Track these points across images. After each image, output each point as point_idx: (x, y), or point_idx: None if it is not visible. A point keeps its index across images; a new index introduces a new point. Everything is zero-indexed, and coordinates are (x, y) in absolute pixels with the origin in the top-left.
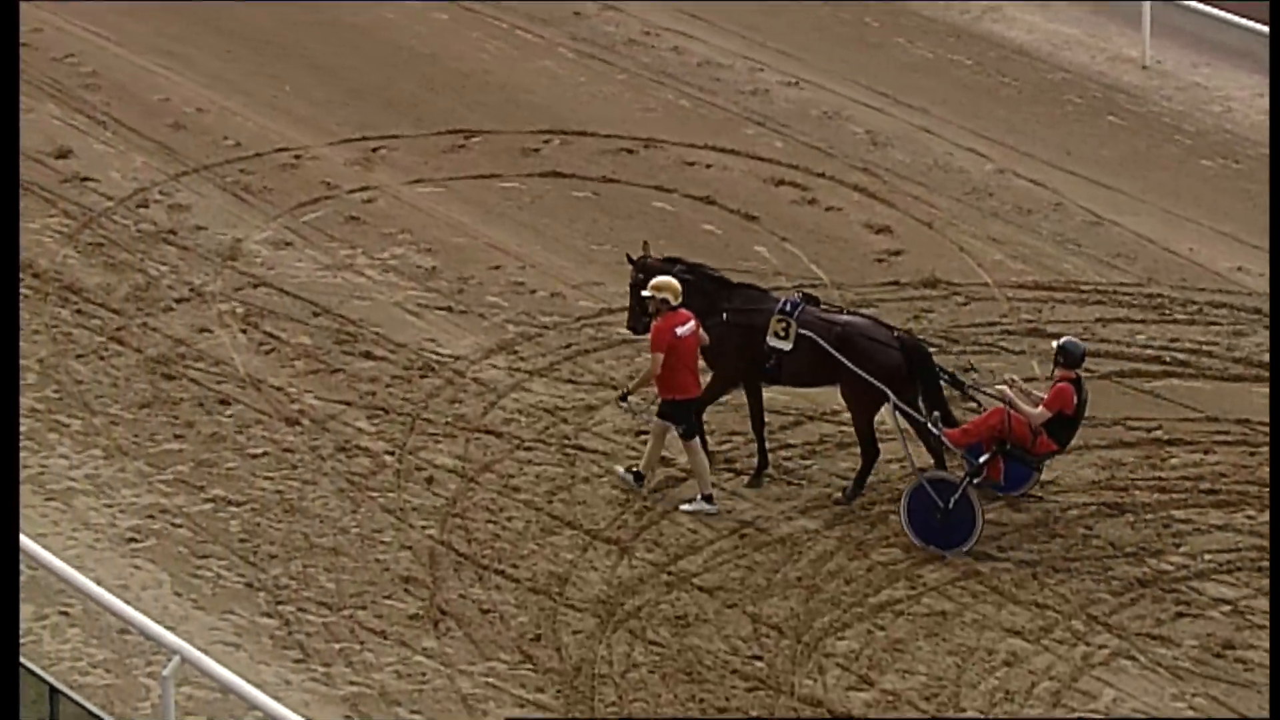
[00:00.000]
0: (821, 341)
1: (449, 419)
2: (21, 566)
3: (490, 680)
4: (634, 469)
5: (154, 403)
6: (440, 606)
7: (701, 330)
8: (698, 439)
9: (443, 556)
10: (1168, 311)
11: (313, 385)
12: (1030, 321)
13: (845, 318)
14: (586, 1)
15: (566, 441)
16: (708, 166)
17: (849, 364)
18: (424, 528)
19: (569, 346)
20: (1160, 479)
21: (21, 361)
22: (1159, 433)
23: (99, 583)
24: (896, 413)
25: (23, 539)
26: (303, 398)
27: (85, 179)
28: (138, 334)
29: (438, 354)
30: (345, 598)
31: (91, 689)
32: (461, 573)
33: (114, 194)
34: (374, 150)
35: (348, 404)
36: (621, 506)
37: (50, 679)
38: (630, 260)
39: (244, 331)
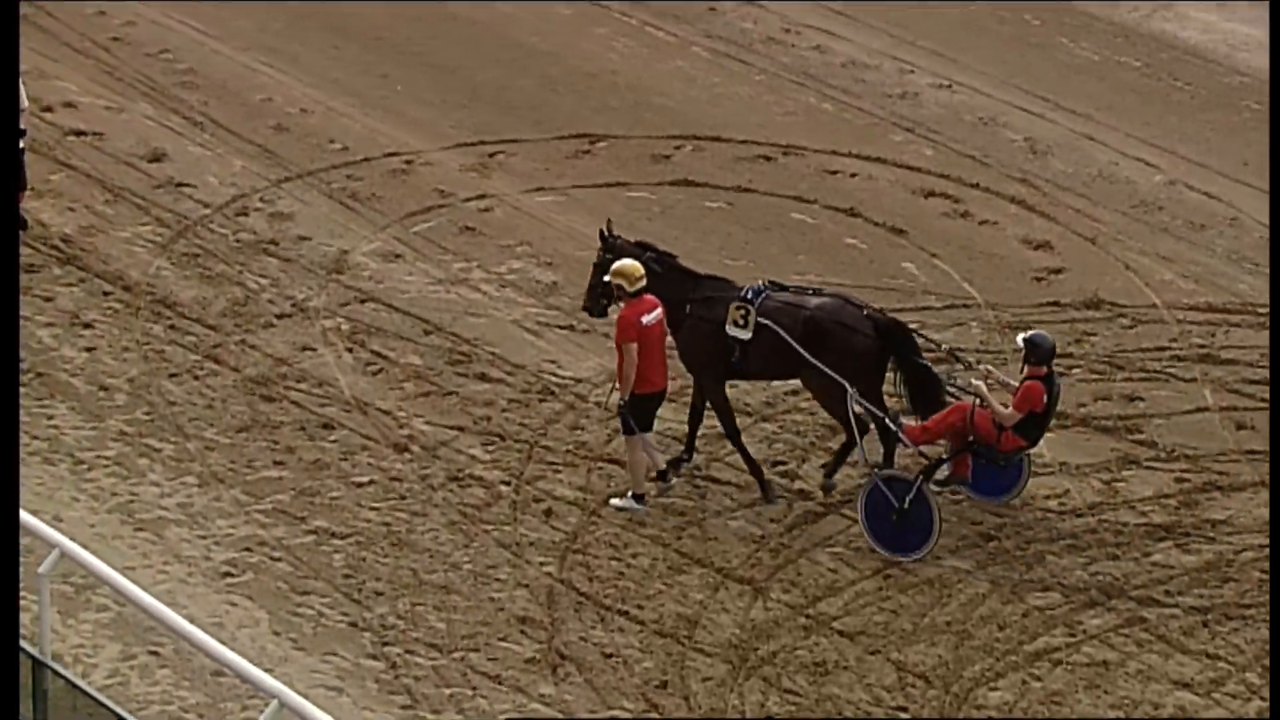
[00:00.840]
0: (780, 330)
1: (570, 447)
2: (109, 603)
3: None
4: (629, 493)
5: (252, 426)
6: (559, 650)
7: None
8: (643, 437)
9: (562, 596)
10: None
11: (423, 409)
12: (1202, 347)
13: (815, 301)
14: None
15: (696, 472)
16: (852, 176)
17: (806, 354)
18: (542, 564)
19: None
20: None
21: (110, 381)
22: None
23: (191, 620)
24: (853, 405)
25: (110, 572)
26: (412, 422)
27: (180, 184)
28: (235, 352)
29: (558, 376)
30: (457, 639)
31: None
32: (582, 613)
33: (211, 201)
34: (491, 155)
35: (461, 430)
36: (756, 544)
37: None
38: (601, 236)
39: (350, 350)
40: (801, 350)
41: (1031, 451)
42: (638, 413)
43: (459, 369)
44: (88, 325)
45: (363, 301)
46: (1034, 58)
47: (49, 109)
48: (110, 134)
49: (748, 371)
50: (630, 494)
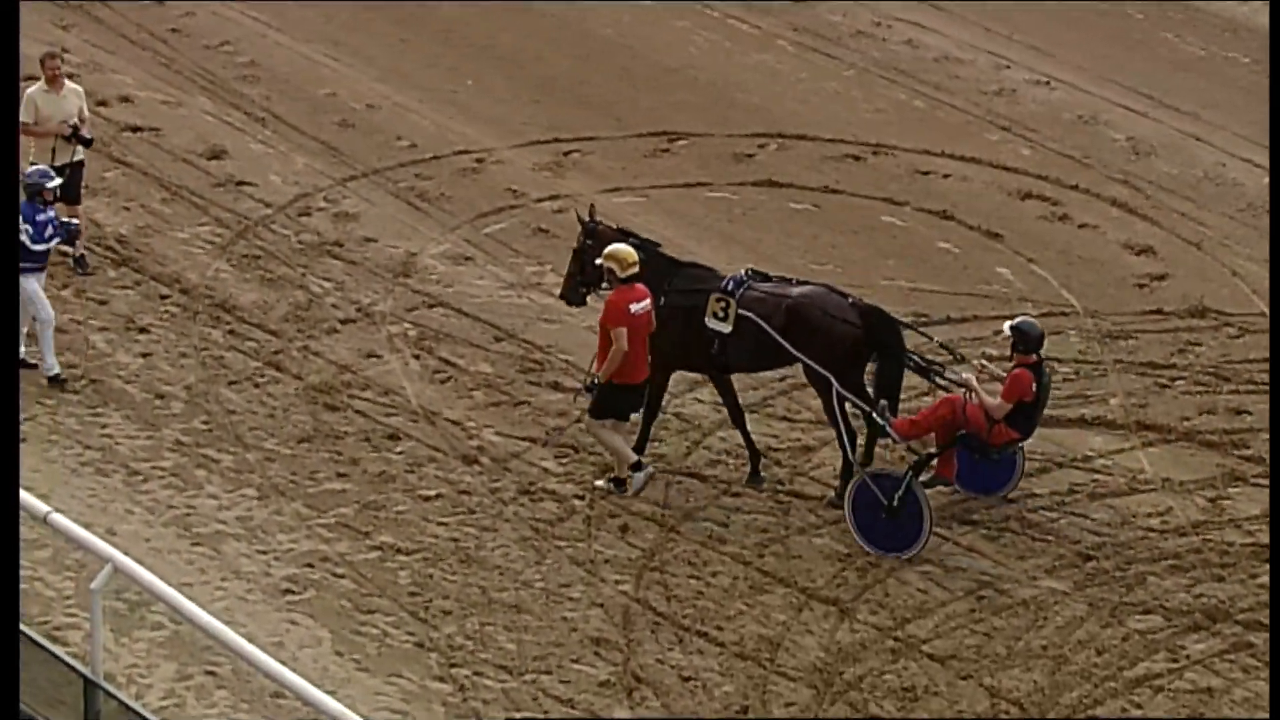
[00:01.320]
0: (761, 322)
1: (647, 460)
2: (164, 620)
3: None
4: (610, 476)
5: (315, 437)
6: (635, 673)
7: (653, 311)
8: (607, 422)
9: (638, 616)
10: None
11: (494, 419)
12: None
13: (797, 290)
14: None
15: (780, 487)
16: (945, 176)
17: (788, 346)
18: (617, 583)
19: (783, 380)
20: None
21: (167, 388)
22: None
23: (250, 639)
24: (837, 398)
25: (166, 589)
26: (482, 433)
27: (241, 183)
28: (297, 359)
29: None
30: (528, 661)
31: None
32: (659, 634)
33: (272, 200)
34: (566, 154)
35: (532, 441)
36: (842, 562)
37: None
38: (579, 221)
39: (417, 357)
40: (784, 342)
41: (1025, 444)
42: (612, 402)
43: (531, 377)
44: (143, 330)
45: (431, 306)
46: (1137, 53)
47: (104, 103)
48: (168, 130)
49: (728, 365)
50: (611, 478)
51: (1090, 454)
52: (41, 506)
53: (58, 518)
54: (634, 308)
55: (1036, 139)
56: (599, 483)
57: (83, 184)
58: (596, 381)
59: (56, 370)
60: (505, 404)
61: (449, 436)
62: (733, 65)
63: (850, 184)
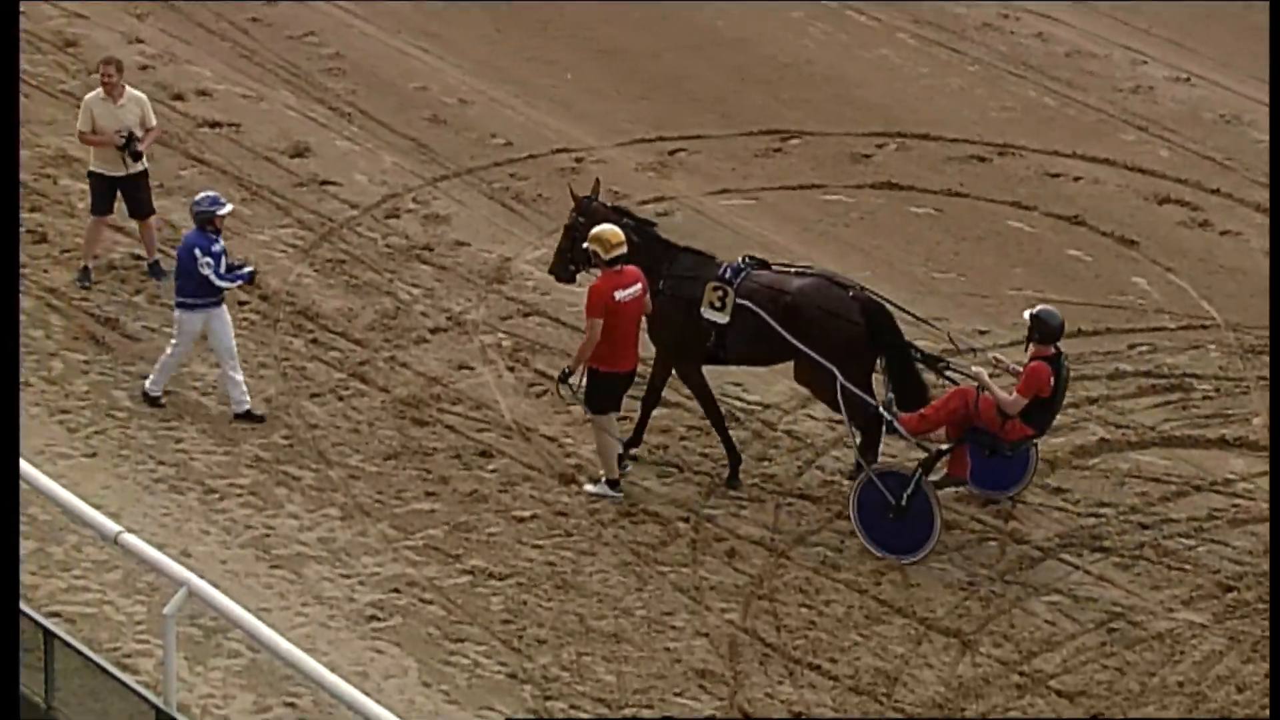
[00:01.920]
0: (762, 313)
1: (756, 480)
2: (241, 648)
3: None
4: (603, 478)
5: (402, 453)
6: (742, 708)
7: (648, 297)
8: (609, 416)
9: (746, 646)
10: None
11: (592, 436)
12: None
13: (797, 283)
14: None
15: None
16: (1076, 179)
17: (790, 338)
18: (723, 611)
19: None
20: None
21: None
22: None
23: (333, 668)
24: (843, 394)
25: (243, 614)
26: (580, 450)
27: (325, 182)
28: (384, 370)
29: (743, 401)
30: (627, 694)
31: None
32: (768, 667)
33: (359, 201)
34: (671, 153)
35: (635, 459)
36: (964, 591)
37: None
38: (574, 197)
39: (511, 369)
40: (785, 333)
41: (1039, 441)
42: (606, 393)
43: (632, 391)
44: None
45: (526, 315)
46: None
47: (180, 97)
48: (248, 125)
49: (726, 357)
50: (603, 479)
51: (1231, 477)
52: (112, 526)
53: (129, 538)
54: (620, 294)
55: (1175, 140)
56: (590, 488)
57: (151, 194)
58: (568, 371)
59: (159, 393)
60: None
61: (545, 454)
62: (850, 60)
63: (975, 187)
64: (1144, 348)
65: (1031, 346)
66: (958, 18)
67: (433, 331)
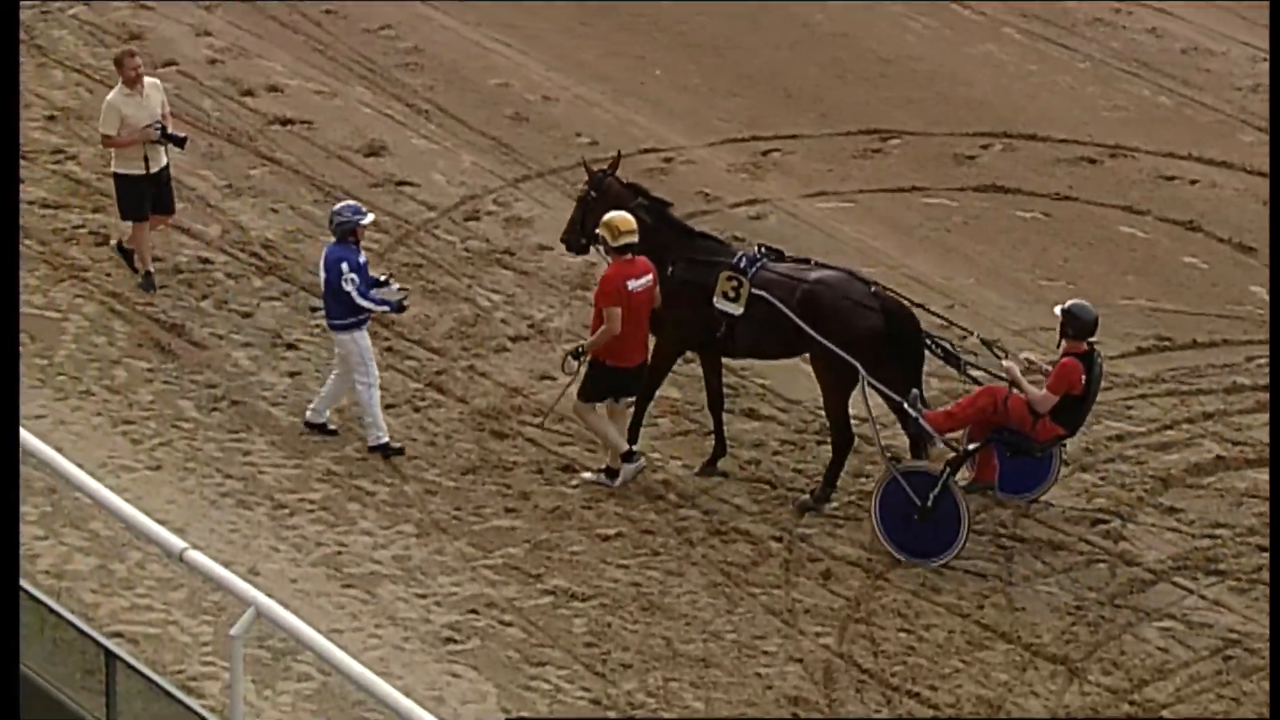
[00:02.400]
0: (778, 303)
1: (852, 497)
2: (311, 671)
3: None
4: (602, 467)
5: (481, 467)
6: None
7: (657, 289)
8: (601, 405)
9: (841, 672)
10: None
11: (681, 450)
12: None
13: (816, 273)
14: None
15: (1002, 530)
16: (1192, 183)
17: (809, 329)
18: (818, 635)
19: None
20: None
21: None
22: None
23: (407, 693)
24: (866, 390)
25: (314, 635)
26: (668, 465)
27: (401, 183)
28: (462, 380)
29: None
30: None
31: None
32: (865, 694)
33: (436, 203)
34: (765, 153)
35: (724, 475)
36: (1071, 615)
37: None
38: (588, 171)
39: None
40: (804, 325)
41: (1068, 441)
42: (602, 385)
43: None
44: (291, 346)
45: None
46: None
47: (250, 93)
48: (321, 123)
49: (735, 350)
50: (604, 469)
51: None
52: (177, 542)
53: (194, 555)
54: (632, 284)
55: None
56: (586, 475)
57: (173, 192)
58: (581, 351)
59: (385, 439)
60: (694, 433)
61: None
62: (954, 56)
63: (1085, 190)
64: (1262, 360)
65: (1064, 343)
66: (1067, 12)
67: (513, 340)
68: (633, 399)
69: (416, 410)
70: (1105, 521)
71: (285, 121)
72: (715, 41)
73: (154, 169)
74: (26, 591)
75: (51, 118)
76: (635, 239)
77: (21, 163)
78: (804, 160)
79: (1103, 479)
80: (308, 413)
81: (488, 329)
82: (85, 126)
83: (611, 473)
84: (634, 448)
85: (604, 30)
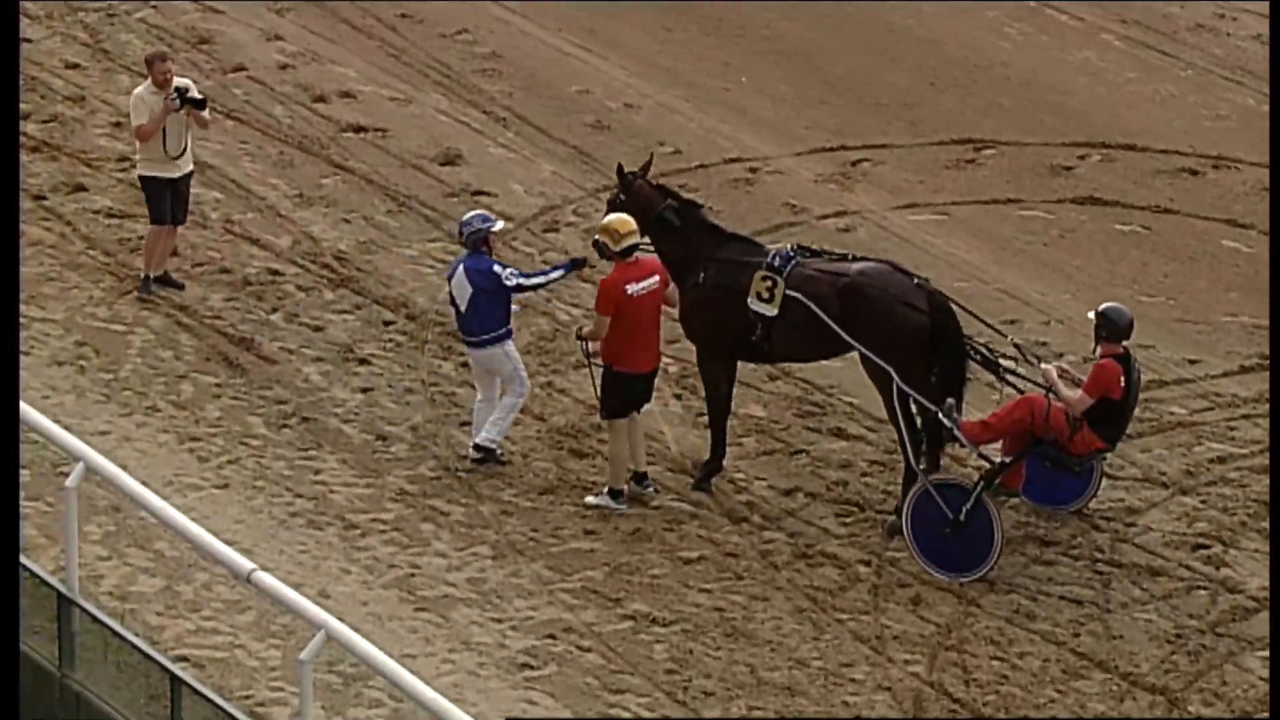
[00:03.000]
0: (812, 305)
1: (652, 487)
2: (383, 697)
3: None
4: (607, 487)
5: (559, 488)
6: None
7: (671, 289)
8: (627, 421)
9: (931, 702)
10: None
11: (766, 470)
12: None
13: (856, 266)
14: None
15: (1099, 555)
16: None
17: (843, 333)
18: (907, 663)
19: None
20: None
21: (390, 429)
22: None
23: None
24: (897, 396)
25: (385, 660)
26: (752, 486)
27: (478, 193)
28: (540, 397)
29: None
30: None
31: None
32: None
33: (515, 213)
34: (854, 163)
35: (812, 496)
36: (1171, 644)
37: None
38: (619, 174)
39: (678, 397)
40: (838, 329)
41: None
42: (619, 394)
43: (810, 422)
44: (364, 361)
45: None
46: None
47: (322, 99)
48: (395, 131)
49: (772, 353)
50: (606, 489)
51: None
52: (245, 564)
53: (263, 576)
54: (633, 288)
55: None
56: (590, 499)
57: (189, 201)
58: (589, 346)
59: (497, 448)
60: (779, 453)
61: (714, 489)
62: (1050, 63)
63: (1186, 203)
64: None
65: (1099, 348)
66: (1169, 18)
67: (593, 356)
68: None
69: None
70: (1206, 546)
71: (358, 129)
72: (802, 47)
73: (178, 174)
74: (90, 614)
75: (118, 124)
76: (636, 239)
77: (87, 170)
78: (894, 171)
79: (1204, 502)
80: (481, 439)
81: (566, 344)
82: None
83: (617, 494)
84: (629, 488)
85: (687, 35)
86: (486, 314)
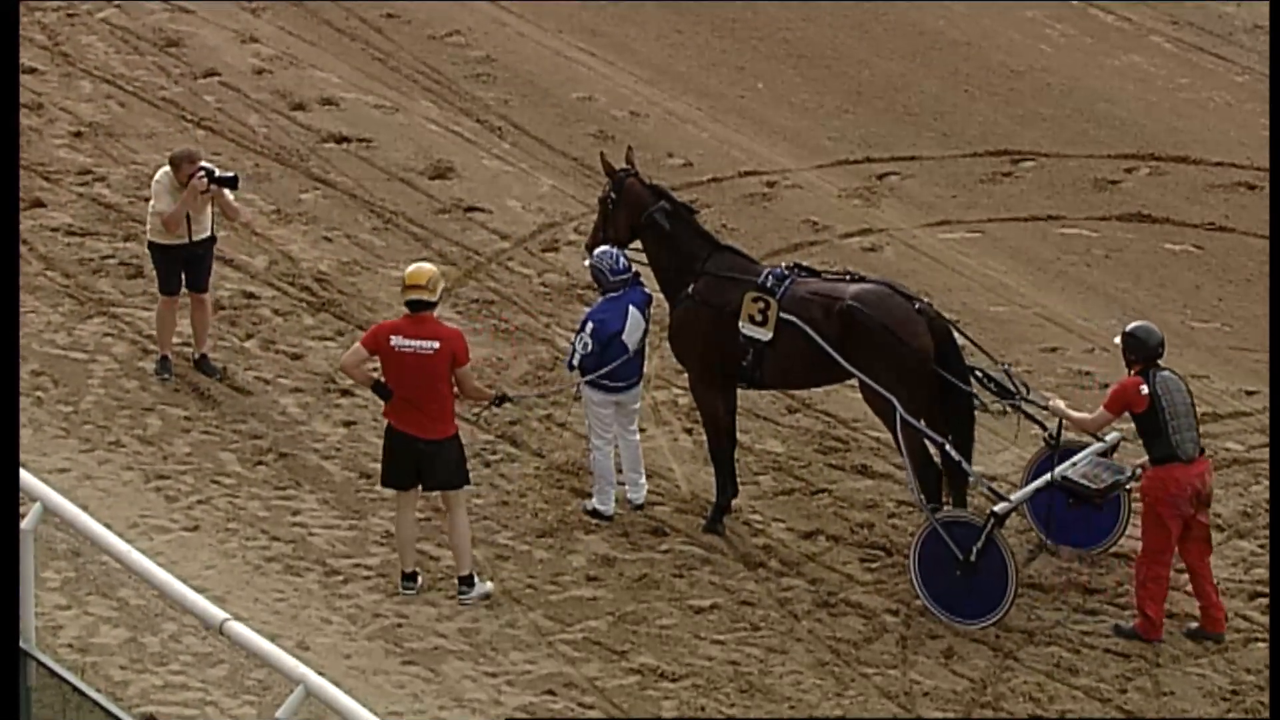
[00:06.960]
0: (808, 329)
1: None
2: None
3: None
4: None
5: (558, 530)
6: None
7: (465, 369)
8: (406, 496)
9: None
10: None
11: (784, 511)
12: None
13: (853, 289)
14: None
15: None
16: None
17: (841, 359)
18: None
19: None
20: None
21: (374, 465)
22: None
23: None
24: (901, 427)
25: (368, 716)
26: (770, 528)
27: (471, 209)
28: (538, 431)
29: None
30: None
31: None
32: None
33: (511, 231)
34: (880, 177)
35: (834, 540)
36: (1226, 701)
37: None
38: (608, 170)
39: (688, 431)
40: (835, 355)
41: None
42: (388, 454)
43: (832, 459)
44: (346, 392)
45: None
46: None
47: (301, 107)
48: (381, 141)
49: (764, 380)
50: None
51: None
52: (217, 613)
53: (236, 627)
54: (397, 341)
55: None
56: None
57: (212, 266)
58: (508, 396)
59: (642, 498)
60: (799, 492)
61: (727, 532)
62: (1094, 68)
63: (1242, 220)
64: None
65: (1129, 368)
66: (1223, 18)
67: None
68: (422, 491)
69: (487, 465)
70: (1264, 595)
71: (341, 139)
72: (824, 51)
73: (191, 240)
74: (47, 667)
75: (78, 134)
76: (421, 298)
77: (44, 184)
78: (924, 185)
79: (1261, 547)
80: (642, 498)
81: (567, 374)
82: (116, 144)
83: (405, 576)
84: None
85: (699, 38)
86: (631, 362)
